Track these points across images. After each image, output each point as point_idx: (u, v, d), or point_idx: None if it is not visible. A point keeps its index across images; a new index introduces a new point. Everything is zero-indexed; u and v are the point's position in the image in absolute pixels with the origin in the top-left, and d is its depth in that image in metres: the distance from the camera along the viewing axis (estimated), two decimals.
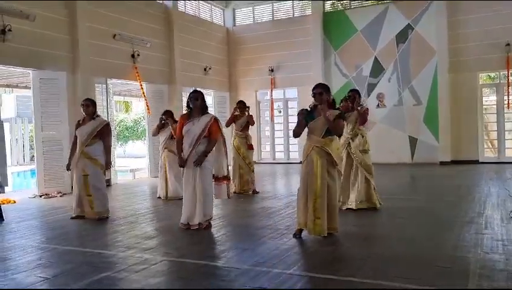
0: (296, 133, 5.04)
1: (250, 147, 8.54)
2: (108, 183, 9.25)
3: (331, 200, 4.90)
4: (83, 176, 6.44)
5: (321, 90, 4.94)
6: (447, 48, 12.82)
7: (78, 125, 6.62)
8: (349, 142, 6.49)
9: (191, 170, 5.52)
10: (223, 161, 5.74)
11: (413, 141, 13.36)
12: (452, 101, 12.85)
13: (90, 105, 6.60)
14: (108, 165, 6.63)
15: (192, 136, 5.53)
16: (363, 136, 6.51)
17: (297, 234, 5.03)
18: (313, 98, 4.98)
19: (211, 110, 14.62)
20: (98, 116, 6.69)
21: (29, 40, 8.81)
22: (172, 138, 7.72)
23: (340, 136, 5.15)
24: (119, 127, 21.77)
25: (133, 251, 4.73)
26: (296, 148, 14.75)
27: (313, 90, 4.97)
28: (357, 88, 7.20)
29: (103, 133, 6.56)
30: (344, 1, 14.56)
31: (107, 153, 6.58)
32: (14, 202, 8.26)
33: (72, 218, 6.54)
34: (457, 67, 12.83)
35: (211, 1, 15.13)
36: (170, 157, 8.00)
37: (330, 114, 4.85)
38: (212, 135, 5.57)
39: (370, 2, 14.21)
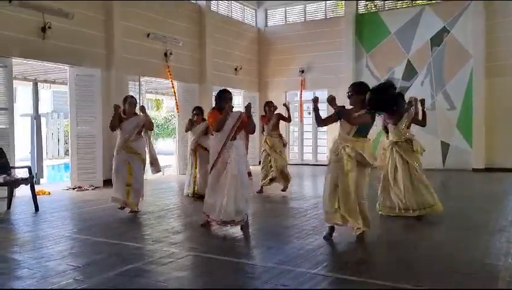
0: (321, 122, 4.91)
1: (285, 145, 8.64)
2: None
3: (359, 202, 4.80)
4: (127, 165, 6.51)
5: (349, 91, 4.90)
6: (484, 52, 12.48)
7: (121, 117, 6.65)
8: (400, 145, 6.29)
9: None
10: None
11: (445, 146, 13.06)
12: (488, 106, 12.49)
13: (132, 102, 6.74)
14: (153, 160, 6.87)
15: (226, 131, 5.45)
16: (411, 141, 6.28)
17: (328, 236, 4.94)
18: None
19: (240, 110, 14.78)
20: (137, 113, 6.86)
21: (67, 37, 9.10)
22: (205, 134, 7.87)
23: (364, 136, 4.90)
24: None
25: (161, 245, 4.84)
26: (325, 150, 14.66)
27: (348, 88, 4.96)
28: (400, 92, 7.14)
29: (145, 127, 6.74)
30: (378, 2, 14.38)
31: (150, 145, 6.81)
32: (49, 193, 8.55)
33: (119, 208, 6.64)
34: (495, 72, 12.46)
35: (243, 1, 15.23)
36: (201, 154, 8.04)
37: (359, 114, 4.77)
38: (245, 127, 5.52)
39: (405, 4, 13.98)
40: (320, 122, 4.93)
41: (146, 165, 6.91)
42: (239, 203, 5.26)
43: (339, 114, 4.79)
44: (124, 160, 6.56)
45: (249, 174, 5.78)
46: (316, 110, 4.89)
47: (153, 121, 23.09)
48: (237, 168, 5.32)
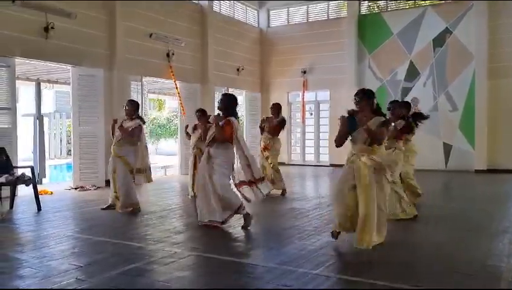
0: (339, 143, 4.74)
1: (265, 148, 8.50)
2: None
3: (379, 210, 4.60)
4: (113, 174, 6.71)
5: (360, 96, 4.73)
6: (487, 53, 12.45)
7: (114, 124, 6.81)
8: None
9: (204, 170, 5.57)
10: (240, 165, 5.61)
11: (447, 148, 13.04)
12: (490, 107, 12.47)
13: (128, 105, 6.79)
14: (136, 168, 6.81)
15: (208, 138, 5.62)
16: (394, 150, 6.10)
17: (335, 236, 4.87)
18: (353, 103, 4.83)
19: (242, 110, 14.81)
20: (138, 117, 6.86)
21: (69, 37, 9.12)
22: (202, 140, 7.75)
23: (380, 144, 4.69)
24: (152, 124, 22.19)
25: (162, 245, 4.84)
26: (326, 151, 14.66)
27: (354, 95, 4.81)
28: (397, 100, 7.02)
29: (133, 135, 6.71)
30: (380, 3, 14.36)
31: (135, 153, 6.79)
32: (51, 193, 8.57)
33: (102, 209, 6.81)
34: (497, 73, 12.43)
35: (245, 2, 15.22)
36: (200, 156, 7.97)
37: (371, 123, 4.61)
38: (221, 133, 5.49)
39: (408, 4, 13.96)
40: (338, 143, 4.76)
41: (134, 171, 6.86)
42: (209, 206, 5.45)
43: (352, 126, 4.67)
44: (112, 166, 6.75)
45: (250, 182, 5.63)
46: (341, 131, 4.74)
47: (155, 121, 22.78)
48: (210, 177, 5.44)
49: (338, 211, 4.79)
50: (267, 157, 8.44)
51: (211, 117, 5.74)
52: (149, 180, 7.15)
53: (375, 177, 4.55)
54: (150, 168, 7.13)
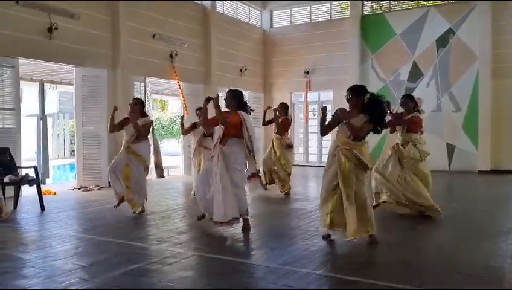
0: (324, 131, 4.97)
1: (288, 146, 8.55)
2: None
3: (360, 205, 4.71)
4: (125, 166, 6.51)
5: (348, 94, 4.87)
6: (490, 53, 12.42)
7: (125, 121, 6.67)
8: (399, 148, 6.29)
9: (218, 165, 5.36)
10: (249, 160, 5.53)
11: (450, 148, 13.01)
12: (494, 108, 12.43)
13: (137, 104, 6.71)
14: (158, 165, 6.84)
15: (218, 133, 5.47)
16: (415, 145, 6.29)
17: (326, 237, 4.90)
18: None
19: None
20: (146, 115, 6.84)
21: (73, 38, 9.15)
22: (205, 136, 7.78)
23: (361, 140, 4.83)
24: (155, 125, 22.21)
25: (165, 245, 4.86)
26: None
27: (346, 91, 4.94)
28: (410, 94, 7.01)
29: (147, 131, 6.72)
30: (383, 3, 14.35)
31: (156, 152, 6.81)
32: (54, 193, 8.61)
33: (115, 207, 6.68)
34: (501, 73, 12.40)
35: (248, 2, 15.23)
36: (206, 154, 7.91)
37: (356, 120, 4.73)
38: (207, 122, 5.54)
39: (411, 5, 13.94)
40: (324, 131, 4.98)
41: (150, 167, 6.90)
42: (226, 204, 5.22)
43: (339, 117, 4.83)
44: (122, 161, 6.55)
45: (255, 175, 5.66)
46: (323, 120, 4.92)
47: (158, 121, 22.63)
48: (225, 174, 5.24)
49: (324, 211, 4.84)
50: (279, 157, 8.42)
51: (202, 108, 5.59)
52: (161, 175, 7.17)
53: (355, 171, 4.72)
54: (162, 163, 7.12)
